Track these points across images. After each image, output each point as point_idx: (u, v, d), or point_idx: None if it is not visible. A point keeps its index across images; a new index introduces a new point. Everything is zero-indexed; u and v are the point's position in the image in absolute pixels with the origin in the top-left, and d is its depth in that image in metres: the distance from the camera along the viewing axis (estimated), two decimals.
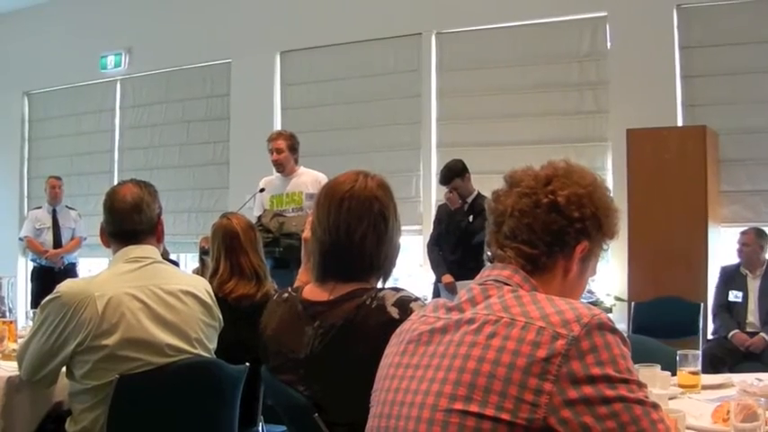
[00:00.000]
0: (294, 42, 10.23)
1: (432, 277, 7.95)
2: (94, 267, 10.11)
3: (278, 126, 9.93)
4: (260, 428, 4.28)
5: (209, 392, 3.24)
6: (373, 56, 9.78)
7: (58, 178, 10.22)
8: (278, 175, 7.15)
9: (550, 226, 1.90)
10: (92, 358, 2.96)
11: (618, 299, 7.86)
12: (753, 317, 6.86)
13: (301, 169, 7.11)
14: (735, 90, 7.88)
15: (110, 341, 2.95)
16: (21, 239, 10.44)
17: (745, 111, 7.81)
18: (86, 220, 10.14)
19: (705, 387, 3.29)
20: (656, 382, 3.06)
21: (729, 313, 6.94)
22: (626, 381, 1.64)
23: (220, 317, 3.39)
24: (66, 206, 10.26)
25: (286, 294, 2.66)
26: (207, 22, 10.75)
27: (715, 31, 8.00)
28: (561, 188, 1.91)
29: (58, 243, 9.97)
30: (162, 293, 3.12)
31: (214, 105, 10.94)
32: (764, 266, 6.96)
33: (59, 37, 11.91)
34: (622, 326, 7.08)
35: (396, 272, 2.68)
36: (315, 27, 9.97)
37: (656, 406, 1.66)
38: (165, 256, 6.67)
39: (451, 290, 7.19)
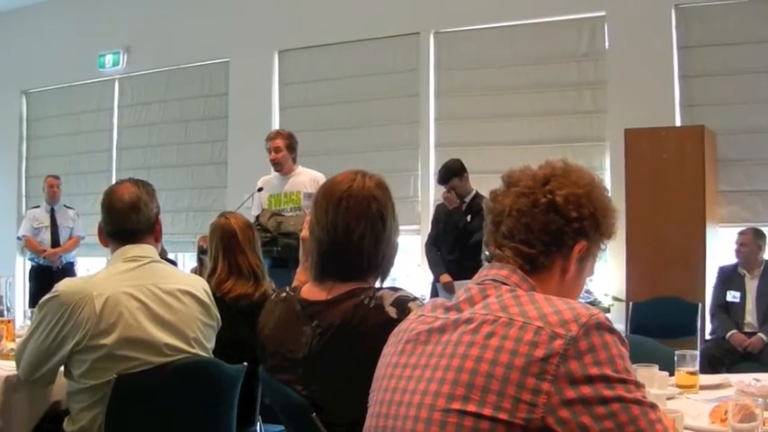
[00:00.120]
0: (292, 42, 10.22)
1: (430, 277, 7.95)
2: (92, 266, 10.11)
3: (276, 125, 9.92)
4: (258, 428, 4.28)
5: (207, 392, 3.24)
6: (371, 55, 9.77)
7: (57, 177, 10.22)
8: (276, 174, 7.15)
9: (548, 226, 1.90)
10: (90, 357, 2.96)
11: (616, 299, 7.86)
12: (750, 317, 6.86)
13: (299, 169, 7.12)
14: (733, 90, 7.88)
15: (108, 340, 2.95)
16: (19, 238, 10.44)
17: (744, 111, 7.81)
18: (84, 219, 10.14)
19: (703, 387, 3.29)
20: (653, 382, 3.07)
21: (727, 313, 6.95)
22: (624, 381, 1.64)
23: (218, 316, 3.39)
24: (65, 205, 10.26)
25: (284, 294, 2.66)
26: (205, 21, 10.74)
27: (713, 31, 8.01)
28: (559, 188, 1.91)
29: (56, 242, 9.97)
30: (160, 293, 3.12)
31: (212, 104, 10.94)
32: (762, 267, 6.97)
33: (58, 36, 11.91)
34: (620, 326, 7.08)
35: (394, 271, 2.68)
36: (313, 26, 9.97)
37: (653, 406, 1.66)
38: (163, 255, 6.66)
39: (449, 290, 7.20)
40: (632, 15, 8.26)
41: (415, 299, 2.45)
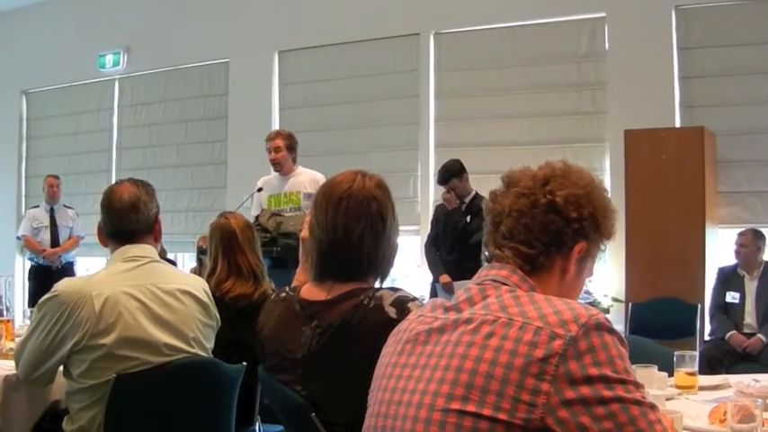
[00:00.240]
0: (292, 42, 10.22)
1: (429, 277, 7.94)
2: (92, 266, 10.11)
3: (276, 126, 9.92)
4: (257, 428, 4.28)
5: (206, 392, 3.24)
6: (371, 56, 9.77)
7: (56, 177, 10.22)
8: (276, 174, 7.16)
9: (548, 226, 1.90)
10: (89, 357, 2.96)
11: (615, 299, 7.86)
12: (750, 318, 6.87)
13: (299, 169, 7.12)
14: (733, 91, 7.87)
15: (107, 340, 2.95)
16: (18, 238, 10.44)
17: (743, 112, 7.81)
18: (84, 219, 10.14)
19: (702, 388, 3.29)
20: (653, 382, 3.07)
21: (726, 314, 6.95)
22: (623, 381, 1.64)
23: (218, 316, 3.39)
24: (64, 205, 10.26)
25: (284, 294, 2.66)
26: (205, 21, 10.74)
27: (713, 33, 8.01)
28: (559, 188, 1.91)
29: (55, 242, 9.97)
30: (159, 293, 3.12)
31: (212, 105, 10.93)
32: (762, 268, 6.97)
33: (58, 36, 11.91)
34: (619, 327, 7.08)
35: (393, 272, 2.68)
36: (313, 27, 9.97)
37: (653, 406, 1.67)
38: (163, 255, 6.66)
39: (449, 290, 7.20)
40: (632, 16, 8.26)
41: (414, 299, 2.45)
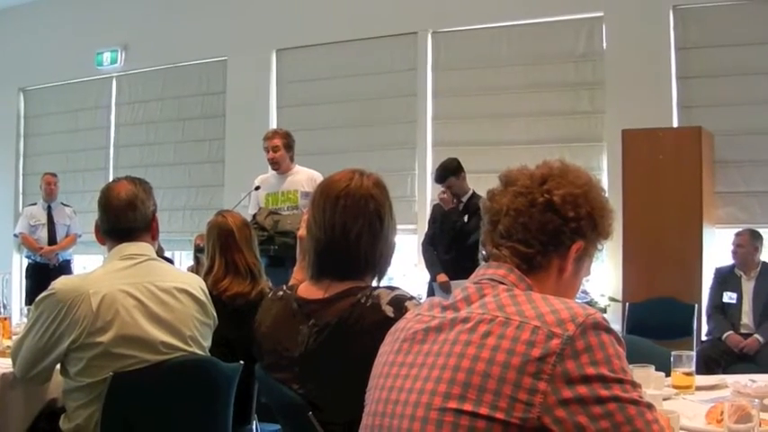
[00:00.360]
0: (290, 40, 10.22)
1: (426, 276, 7.94)
2: (89, 264, 10.10)
3: (273, 124, 9.93)
4: (254, 427, 4.28)
5: (203, 390, 3.24)
6: (369, 55, 9.77)
7: (54, 175, 10.21)
8: (273, 173, 7.16)
9: (546, 225, 1.90)
10: (86, 355, 2.96)
11: (612, 299, 7.86)
12: (747, 318, 6.87)
13: (297, 167, 7.12)
14: (731, 91, 7.88)
15: (104, 338, 2.95)
16: (15, 236, 10.44)
17: (741, 112, 7.81)
18: (81, 216, 10.13)
19: (699, 388, 3.29)
20: (650, 382, 3.07)
21: (723, 314, 6.95)
22: (620, 381, 1.64)
23: (215, 315, 3.39)
24: (62, 203, 10.25)
25: (281, 292, 2.66)
26: (203, 19, 10.74)
27: (711, 33, 8.01)
28: (557, 187, 1.91)
29: (52, 240, 9.96)
30: (157, 291, 3.11)
31: (210, 103, 10.93)
32: (759, 268, 6.98)
33: (55, 33, 11.90)
34: (617, 326, 7.09)
35: (390, 271, 2.68)
36: (311, 25, 9.97)
37: (650, 406, 1.67)
38: (160, 253, 6.65)
39: (446, 289, 7.20)
40: (630, 16, 8.27)
41: (411, 298, 2.46)
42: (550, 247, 1.91)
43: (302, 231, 2.73)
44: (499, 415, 1.63)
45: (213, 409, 3.34)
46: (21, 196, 12.48)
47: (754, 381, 3.19)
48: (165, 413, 3.15)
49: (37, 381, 3.21)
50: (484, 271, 1.92)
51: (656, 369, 3.22)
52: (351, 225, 2.50)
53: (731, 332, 6.79)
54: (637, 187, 7.44)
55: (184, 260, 10.84)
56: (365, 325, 2.37)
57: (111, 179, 3.83)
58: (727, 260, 7.17)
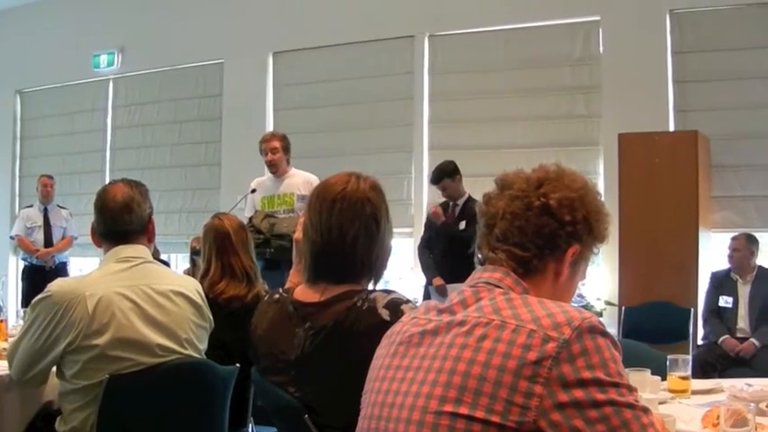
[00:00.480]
0: (287, 43, 10.23)
1: (422, 280, 7.94)
2: (85, 267, 10.10)
3: (270, 127, 9.93)
4: (250, 430, 4.28)
5: (199, 393, 3.24)
6: (366, 58, 9.78)
7: (50, 177, 10.21)
8: (270, 176, 7.15)
9: (542, 229, 1.90)
10: (82, 358, 2.96)
11: (608, 303, 7.87)
12: (743, 322, 6.87)
13: (293, 170, 7.11)
14: (727, 95, 7.90)
15: (100, 341, 2.95)
16: (12, 238, 10.42)
17: (737, 116, 7.83)
18: (78, 219, 10.13)
19: (695, 392, 3.30)
20: (646, 386, 3.07)
21: (719, 318, 6.96)
22: (616, 384, 1.64)
23: (211, 317, 3.39)
24: (58, 205, 10.24)
25: (277, 295, 2.66)
26: (200, 22, 10.74)
27: (707, 37, 8.03)
28: (553, 191, 1.91)
29: (49, 242, 9.95)
30: (153, 293, 3.11)
31: (206, 106, 10.93)
32: (755, 272, 6.98)
33: (52, 35, 11.89)
34: (612, 330, 7.08)
35: (386, 274, 2.68)
36: (308, 28, 9.97)
37: (646, 410, 1.67)
38: (156, 256, 6.65)
39: (442, 293, 7.19)
40: (626, 20, 8.28)
41: (407, 301, 2.46)
42: (546, 251, 1.91)
43: (298, 234, 2.73)
44: (495, 418, 1.63)
45: (209, 412, 3.34)
46: (17, 198, 12.46)
47: (750, 385, 3.19)
48: (161, 416, 3.14)
49: (33, 383, 3.21)
50: (480, 274, 1.92)
51: (653, 373, 3.22)
52: (347, 228, 2.50)
53: (727, 336, 6.79)
54: (633, 191, 7.46)
55: (181, 263, 10.85)
56: (361, 328, 2.37)
57: (107, 182, 3.80)
58: (723, 264, 7.17)
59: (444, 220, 7.48)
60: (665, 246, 7.29)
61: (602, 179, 8.20)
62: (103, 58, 11.61)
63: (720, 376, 6.06)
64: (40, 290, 3.08)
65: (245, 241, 4.43)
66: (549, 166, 1.99)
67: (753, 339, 6.69)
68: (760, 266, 7.02)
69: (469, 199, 7.41)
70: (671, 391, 3.27)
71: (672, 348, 5.10)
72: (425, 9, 9.34)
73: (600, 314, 7.57)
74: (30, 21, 12.22)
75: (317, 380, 2.43)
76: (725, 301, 6.95)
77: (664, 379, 3.31)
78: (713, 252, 7.67)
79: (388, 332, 1.98)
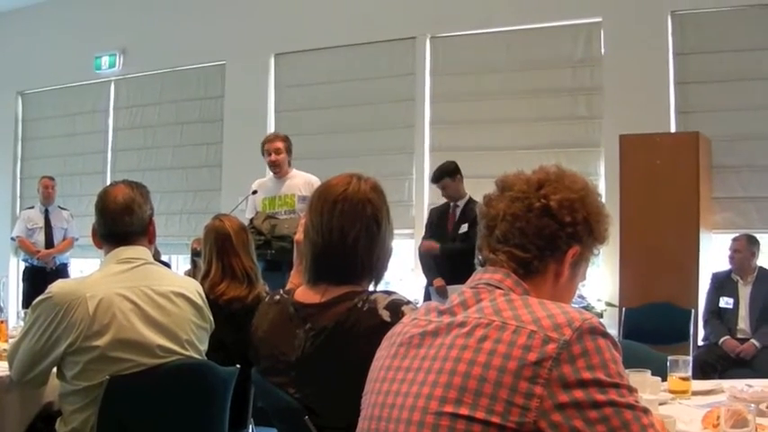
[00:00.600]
0: (289, 45, 10.23)
1: (423, 281, 7.93)
2: (86, 268, 10.10)
3: (271, 129, 9.93)
4: (250, 431, 4.28)
5: (199, 394, 3.24)
6: (367, 59, 9.78)
7: (51, 178, 10.21)
8: (271, 177, 7.16)
9: (542, 230, 1.90)
10: (82, 359, 2.96)
11: (609, 304, 7.86)
12: (743, 323, 6.87)
13: (294, 171, 7.12)
14: (728, 97, 7.89)
15: (101, 342, 2.95)
16: (12, 239, 10.42)
17: (739, 117, 7.82)
18: (79, 220, 10.13)
19: (695, 393, 3.30)
20: (646, 387, 3.07)
21: (720, 320, 6.95)
22: (617, 385, 1.64)
23: (211, 319, 3.39)
24: (59, 206, 10.25)
25: (278, 296, 2.66)
26: (202, 23, 10.74)
27: (709, 38, 8.02)
28: (553, 192, 1.91)
29: (49, 243, 9.96)
30: (153, 295, 3.11)
31: (208, 107, 10.94)
32: (756, 273, 6.98)
33: (54, 37, 11.91)
34: (613, 331, 7.08)
35: (387, 275, 2.68)
36: (310, 30, 9.97)
37: (646, 411, 1.67)
38: (157, 257, 6.65)
39: (443, 294, 7.18)
40: (628, 22, 8.28)
41: (408, 302, 2.46)
42: (547, 252, 1.91)
43: (299, 235, 2.73)
44: (495, 419, 1.63)
45: (209, 412, 3.34)
46: (18, 199, 12.48)
47: (750, 386, 3.20)
48: (162, 417, 3.14)
49: (33, 384, 3.21)
50: (480, 275, 1.92)
51: (653, 374, 3.22)
52: (348, 229, 2.50)
53: (728, 337, 6.79)
54: (634, 192, 7.45)
55: (181, 264, 10.84)
56: (362, 329, 2.37)
57: (108, 183, 3.81)
58: (724, 265, 7.17)
59: (440, 246, 7.48)
60: (665, 247, 7.28)
61: (604, 180, 8.20)
62: (105, 60, 11.62)
63: (721, 377, 6.06)
64: (41, 291, 3.08)
65: (246, 242, 4.43)
66: (550, 168, 1.99)
67: (753, 340, 6.68)
68: (761, 267, 7.02)
69: (470, 200, 7.40)
70: (671, 391, 3.27)
71: (672, 349, 5.10)
72: (427, 11, 9.34)
73: (600, 315, 7.57)
74: (31, 22, 12.24)
75: (318, 381, 2.43)
76: (725, 302, 6.95)
77: (664, 380, 3.31)
78: (714, 253, 7.66)
79: (389, 333, 1.98)
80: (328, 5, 9.95)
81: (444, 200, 7.69)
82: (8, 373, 3.26)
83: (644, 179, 7.45)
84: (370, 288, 2.57)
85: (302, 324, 2.48)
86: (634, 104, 8.05)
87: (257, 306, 2.79)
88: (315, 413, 2.41)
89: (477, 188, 7.25)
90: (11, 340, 3.82)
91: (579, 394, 1.61)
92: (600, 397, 1.62)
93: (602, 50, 8.48)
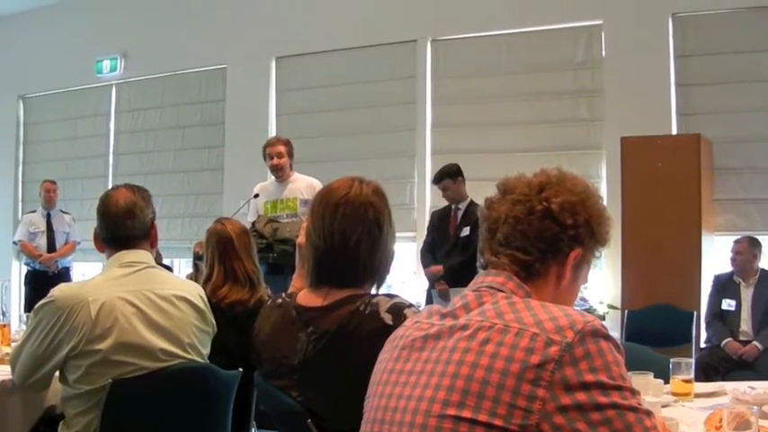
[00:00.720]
0: (290, 48, 10.23)
1: (425, 284, 7.93)
2: (88, 272, 10.10)
3: (273, 132, 9.93)
4: None
5: (201, 398, 3.24)
6: (368, 62, 9.78)
7: (53, 182, 10.22)
8: (272, 180, 7.16)
9: (544, 233, 1.90)
10: (85, 363, 2.96)
11: (611, 306, 7.86)
12: (746, 325, 6.87)
13: (296, 175, 7.12)
14: (729, 99, 7.89)
15: (103, 346, 2.95)
16: (15, 243, 10.42)
17: (740, 119, 7.83)
18: (81, 224, 10.12)
19: (698, 395, 3.29)
20: (648, 389, 3.07)
21: (722, 322, 6.95)
22: (619, 388, 1.64)
23: (214, 322, 3.39)
24: (61, 210, 10.25)
25: (280, 300, 2.66)
26: (203, 27, 10.75)
27: (710, 40, 8.02)
28: (555, 195, 1.91)
29: (52, 247, 9.96)
30: (155, 298, 3.11)
31: (209, 111, 10.94)
32: (758, 275, 6.98)
33: (55, 40, 11.91)
34: (615, 334, 7.08)
35: (389, 279, 2.68)
36: (310, 33, 9.98)
37: (649, 413, 1.67)
38: (159, 261, 6.65)
39: (445, 297, 7.19)
40: (629, 24, 8.28)
41: (410, 305, 2.45)
42: (548, 255, 1.91)
43: (301, 239, 2.73)
44: (498, 422, 1.63)
45: (212, 416, 3.34)
46: (20, 203, 12.48)
47: (753, 388, 3.19)
48: (164, 421, 3.14)
49: (36, 388, 3.21)
50: (482, 278, 1.93)
51: (655, 376, 3.22)
52: (350, 233, 2.50)
53: (730, 339, 6.79)
54: (636, 195, 7.45)
55: (183, 268, 10.84)
56: (364, 332, 2.37)
57: (110, 187, 3.81)
58: (726, 267, 7.17)
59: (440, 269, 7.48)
60: (667, 249, 7.28)
61: (605, 183, 8.20)
62: (106, 64, 11.63)
63: (723, 379, 6.06)
64: (43, 295, 3.08)
65: (248, 246, 4.43)
66: (551, 171, 1.99)
67: (756, 342, 6.68)
68: (763, 269, 7.02)
69: (471, 203, 7.40)
70: (674, 394, 3.26)
71: (674, 351, 5.08)
72: (428, 13, 9.35)
73: (603, 317, 7.57)
74: (33, 26, 12.24)
75: (320, 384, 2.43)
76: (728, 305, 6.95)
77: (666, 382, 3.31)
78: (716, 255, 7.66)
79: (391, 336, 1.98)
80: (329, 9, 9.96)
81: (446, 203, 7.69)
82: (11, 376, 3.26)
83: (645, 181, 7.45)
84: (373, 291, 2.57)
85: (304, 327, 2.48)
86: (635, 107, 8.06)
87: (259, 309, 2.79)
88: (317, 416, 2.41)
89: (479, 191, 7.22)
90: (13, 344, 3.82)
91: (582, 397, 1.61)
92: (602, 399, 1.62)
93: (603, 53, 8.49)
